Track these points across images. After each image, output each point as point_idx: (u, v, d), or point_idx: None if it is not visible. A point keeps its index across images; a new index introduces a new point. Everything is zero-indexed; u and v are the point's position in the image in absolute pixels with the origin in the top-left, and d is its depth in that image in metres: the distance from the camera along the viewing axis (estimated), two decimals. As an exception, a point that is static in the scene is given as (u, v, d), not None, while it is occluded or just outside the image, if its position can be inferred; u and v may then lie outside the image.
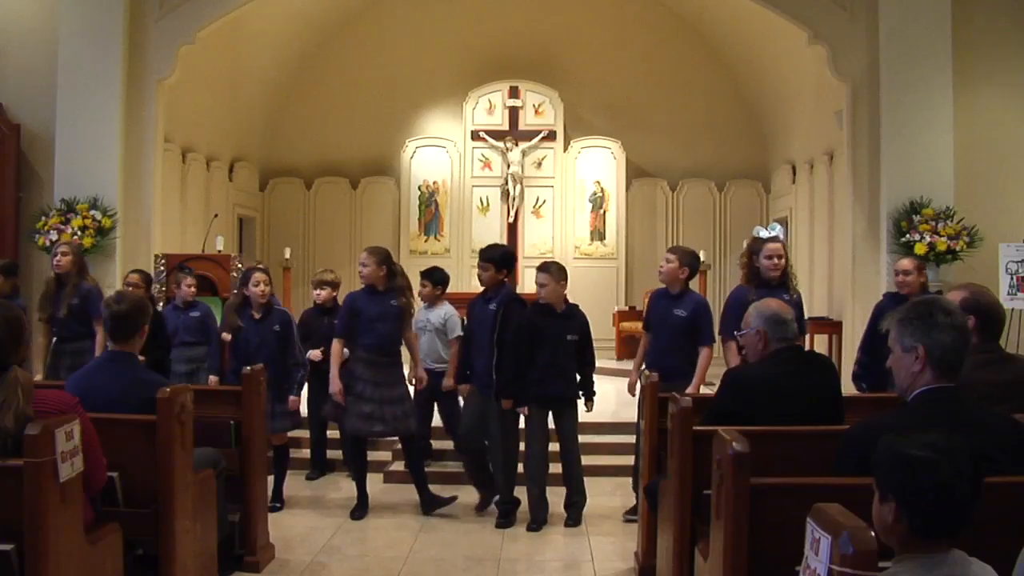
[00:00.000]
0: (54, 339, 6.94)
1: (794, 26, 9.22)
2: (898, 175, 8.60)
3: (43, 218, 8.87)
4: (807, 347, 6.54)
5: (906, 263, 6.49)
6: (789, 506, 2.76)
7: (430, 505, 6.34)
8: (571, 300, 6.30)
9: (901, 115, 8.63)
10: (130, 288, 6.61)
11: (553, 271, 6.15)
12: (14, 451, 3.10)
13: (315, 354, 6.93)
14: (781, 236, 6.28)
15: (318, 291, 7.25)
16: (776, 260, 6.05)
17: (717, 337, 6.21)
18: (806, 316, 6.57)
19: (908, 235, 8.33)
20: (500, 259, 6.31)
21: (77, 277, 6.93)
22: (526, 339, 6.01)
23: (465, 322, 6.80)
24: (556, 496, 6.24)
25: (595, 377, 6.30)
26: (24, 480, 3.02)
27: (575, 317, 6.20)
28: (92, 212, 8.78)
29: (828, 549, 2.12)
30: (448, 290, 7.25)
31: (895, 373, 2.94)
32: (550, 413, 6.15)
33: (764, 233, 6.28)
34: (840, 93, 9.22)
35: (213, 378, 6.70)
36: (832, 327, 9.84)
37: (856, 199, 8.98)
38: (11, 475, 3.03)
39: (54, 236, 8.57)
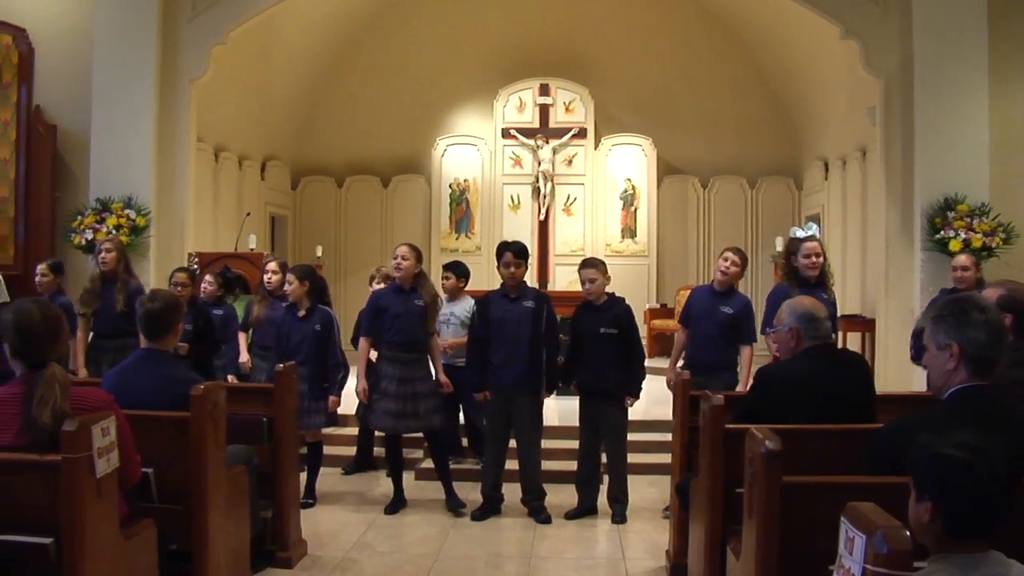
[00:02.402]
0: (91, 334, 7.01)
1: (826, 21, 9.13)
2: (932, 171, 8.50)
3: (79, 217, 8.99)
4: (839, 345, 6.50)
5: (964, 259, 6.57)
6: (822, 504, 2.73)
7: (452, 503, 6.37)
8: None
9: (935, 110, 8.52)
10: (178, 287, 6.72)
11: (600, 266, 6.27)
12: (51, 447, 3.14)
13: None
14: (818, 235, 6.28)
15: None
16: (814, 259, 6.10)
17: (759, 335, 6.23)
18: (839, 314, 6.55)
19: (942, 232, 8.23)
20: (526, 255, 6.32)
21: (125, 274, 7.01)
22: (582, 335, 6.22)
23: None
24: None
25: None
26: (61, 475, 3.05)
27: (613, 308, 6.24)
28: (127, 211, 8.88)
29: (863, 548, 2.10)
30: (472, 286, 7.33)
31: (929, 371, 2.91)
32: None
33: (801, 233, 6.29)
34: (873, 88, 9.12)
35: (231, 377, 6.79)
36: (865, 325, 9.75)
37: (889, 196, 8.88)
38: (49, 470, 3.07)
39: (89, 235, 8.69)
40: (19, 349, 3.34)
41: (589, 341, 6.17)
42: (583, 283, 6.28)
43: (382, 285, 7.19)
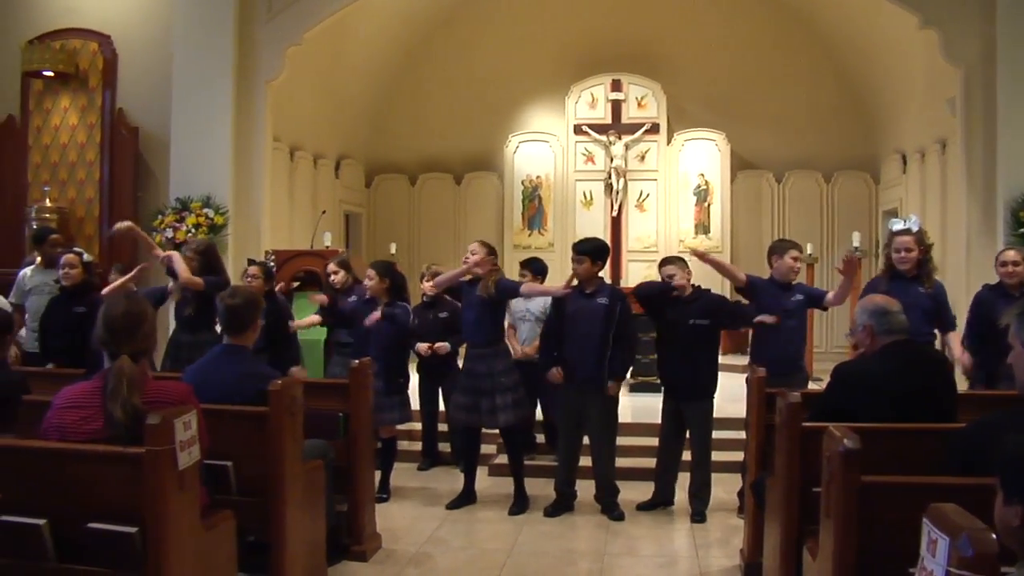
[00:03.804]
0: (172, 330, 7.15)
1: (903, 11, 8.93)
2: (1015, 163, 8.26)
3: (160, 216, 9.23)
4: (936, 343, 6.34)
5: (1012, 254, 6.32)
6: (901, 505, 2.68)
7: (518, 505, 6.34)
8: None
9: (1019, 100, 8.29)
10: (249, 279, 6.77)
11: (678, 262, 6.35)
12: (128, 439, 3.23)
13: (422, 348, 7.03)
14: (915, 227, 6.12)
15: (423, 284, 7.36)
16: (904, 253, 5.96)
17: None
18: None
19: (1027, 225, 8.01)
20: (595, 252, 6.27)
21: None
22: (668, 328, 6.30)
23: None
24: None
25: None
26: (145, 468, 3.13)
27: (700, 299, 6.29)
28: (205, 210, 9.10)
29: (946, 551, 2.05)
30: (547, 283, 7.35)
31: (1016, 369, 2.83)
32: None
33: (897, 225, 6.14)
34: (952, 79, 8.90)
35: (294, 369, 6.88)
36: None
37: (970, 189, 8.66)
38: (133, 463, 3.15)
39: (170, 234, 8.91)
40: (103, 339, 3.44)
41: (677, 335, 6.17)
42: (663, 280, 6.31)
43: (430, 282, 7.25)
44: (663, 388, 6.41)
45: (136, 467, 3.14)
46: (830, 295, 6.31)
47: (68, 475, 3.24)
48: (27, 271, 7.37)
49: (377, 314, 6.29)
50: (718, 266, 6.51)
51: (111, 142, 9.92)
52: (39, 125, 10.09)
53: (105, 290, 6.87)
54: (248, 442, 4.10)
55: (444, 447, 7.60)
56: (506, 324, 6.97)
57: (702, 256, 6.33)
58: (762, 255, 6.77)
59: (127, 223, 6.99)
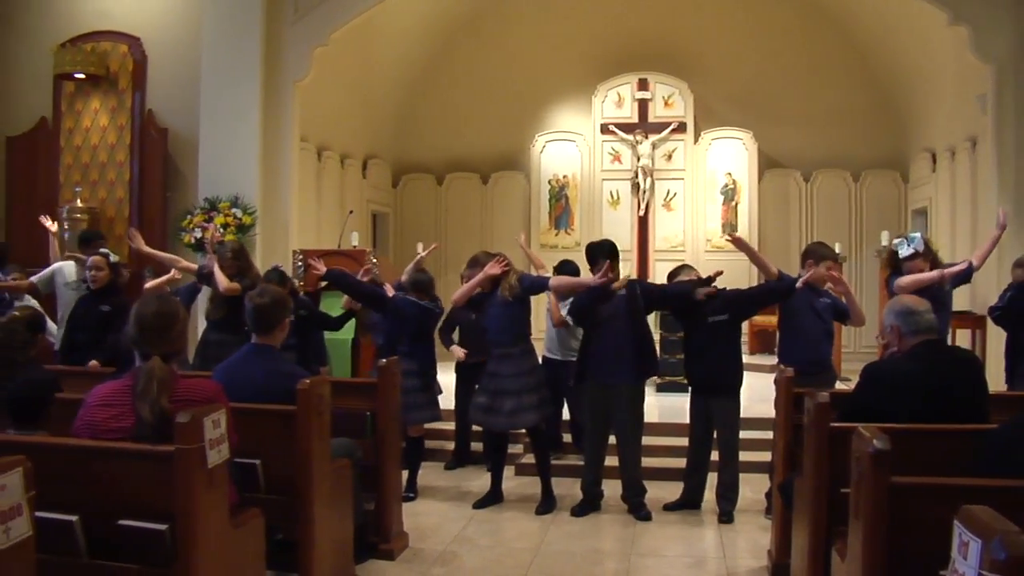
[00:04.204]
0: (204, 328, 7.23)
1: (933, 7, 8.83)
2: (1048, 161, 8.17)
3: (188, 216, 9.31)
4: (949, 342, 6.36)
5: None
6: (932, 507, 2.66)
7: (544, 504, 6.33)
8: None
9: (1051, 97, 8.20)
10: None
11: (686, 270, 6.56)
12: (156, 437, 3.26)
13: (457, 351, 7.04)
14: (921, 247, 6.18)
15: None
16: (918, 274, 6.12)
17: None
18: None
19: (1060, 224, 7.92)
20: (610, 252, 6.28)
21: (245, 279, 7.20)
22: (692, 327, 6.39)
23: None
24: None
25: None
26: (175, 465, 3.16)
27: (718, 296, 6.27)
28: (233, 210, 9.17)
29: (978, 553, 2.03)
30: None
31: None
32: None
33: (904, 250, 6.18)
34: (983, 76, 8.80)
35: (325, 369, 6.92)
36: (975, 322, 9.39)
37: (1002, 187, 8.56)
38: (163, 460, 3.19)
39: (199, 234, 8.97)
40: (135, 339, 3.48)
41: (700, 333, 6.18)
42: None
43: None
44: (691, 387, 6.40)
45: (166, 464, 3.17)
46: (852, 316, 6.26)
47: (100, 472, 3.28)
48: (68, 266, 7.55)
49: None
50: (753, 255, 6.51)
51: (141, 143, 10.03)
52: (70, 126, 10.22)
53: (147, 285, 7.34)
54: (276, 441, 4.13)
55: (477, 447, 7.60)
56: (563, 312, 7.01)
57: (739, 242, 6.37)
58: (790, 255, 6.77)
59: (140, 248, 7.40)
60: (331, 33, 9.64)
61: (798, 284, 5.97)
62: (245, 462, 4.00)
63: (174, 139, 10.01)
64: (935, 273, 6.06)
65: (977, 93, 9.24)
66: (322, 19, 9.62)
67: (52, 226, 8.14)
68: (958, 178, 10.44)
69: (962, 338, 9.49)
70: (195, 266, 7.38)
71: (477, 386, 6.44)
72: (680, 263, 7.09)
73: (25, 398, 3.72)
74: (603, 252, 6.26)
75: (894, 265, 6.29)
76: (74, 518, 3.20)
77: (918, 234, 6.41)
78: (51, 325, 7.26)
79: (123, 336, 3.56)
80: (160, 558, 3.18)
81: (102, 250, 6.95)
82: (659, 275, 12.12)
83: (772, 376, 5.34)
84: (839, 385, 6.03)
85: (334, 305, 7.55)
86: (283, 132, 9.61)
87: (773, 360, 7.44)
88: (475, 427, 7.04)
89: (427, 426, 6.78)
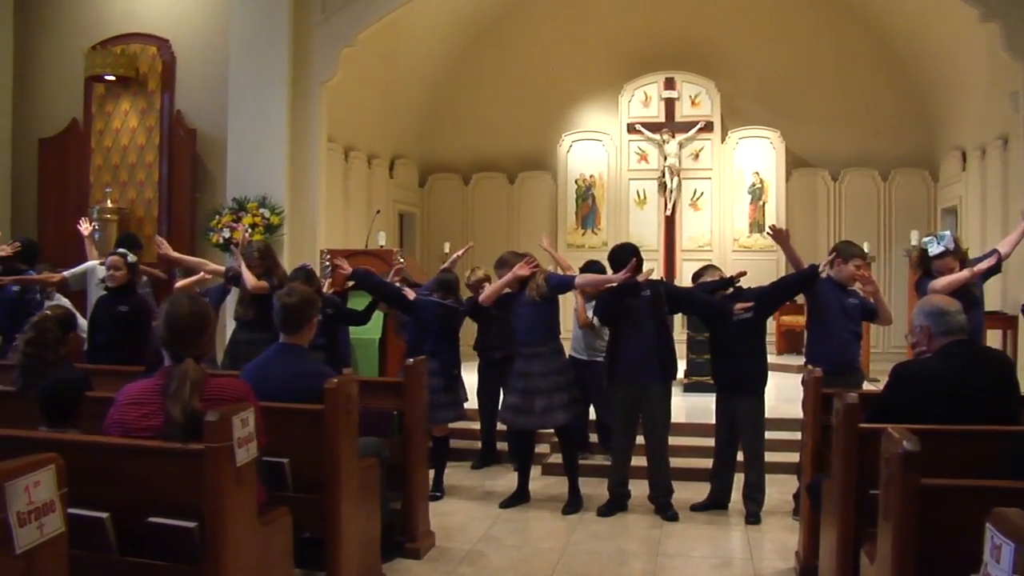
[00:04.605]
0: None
1: (964, 3, 8.74)
2: (1081, 159, 8.07)
3: (216, 217, 9.37)
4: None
5: None
6: (962, 509, 2.64)
7: (571, 504, 6.32)
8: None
9: (1085, 94, 8.09)
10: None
11: (710, 270, 6.63)
12: (185, 437, 3.28)
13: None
14: (951, 245, 6.12)
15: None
16: (948, 274, 6.04)
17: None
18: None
19: (1092, 223, 7.79)
20: (633, 253, 6.25)
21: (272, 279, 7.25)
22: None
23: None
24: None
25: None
26: (204, 464, 3.19)
27: (740, 296, 6.31)
28: (261, 210, 9.22)
29: (1011, 557, 2.01)
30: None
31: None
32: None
33: (934, 248, 6.11)
34: (1015, 73, 8.69)
35: (347, 370, 6.94)
36: (1006, 322, 9.28)
37: (1034, 186, 8.47)
38: (192, 458, 3.21)
39: (227, 234, 9.04)
40: (166, 340, 3.50)
41: (725, 332, 6.18)
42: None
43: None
44: (716, 388, 6.37)
45: (195, 463, 3.20)
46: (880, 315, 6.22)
47: (130, 470, 3.30)
48: (102, 267, 7.60)
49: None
50: (788, 249, 6.47)
51: (170, 144, 10.13)
52: (101, 128, 10.33)
53: (177, 284, 7.41)
54: (304, 440, 4.15)
55: (503, 446, 7.60)
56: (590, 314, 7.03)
57: (780, 235, 6.37)
58: (818, 255, 6.73)
59: (168, 254, 7.65)
60: (358, 34, 9.68)
61: (820, 269, 5.95)
62: (273, 461, 4.02)
63: (202, 140, 10.10)
64: (966, 272, 5.99)
65: (1009, 91, 9.13)
66: (349, 20, 9.66)
67: (87, 229, 8.23)
68: (989, 177, 10.31)
69: (993, 338, 9.38)
70: (223, 268, 7.44)
71: (502, 388, 6.43)
72: (706, 263, 7.06)
73: (56, 397, 3.76)
74: (626, 254, 6.24)
75: (925, 267, 6.23)
76: (105, 515, 3.23)
77: (948, 232, 6.34)
78: (82, 322, 7.32)
79: (153, 337, 3.59)
80: (189, 555, 3.20)
81: (119, 250, 6.97)
82: (686, 274, 12.09)
83: (800, 376, 5.30)
84: (867, 386, 5.98)
85: (361, 305, 7.56)
86: (310, 132, 9.66)
87: (801, 360, 7.39)
88: (500, 426, 7.06)
89: (452, 425, 6.79)
